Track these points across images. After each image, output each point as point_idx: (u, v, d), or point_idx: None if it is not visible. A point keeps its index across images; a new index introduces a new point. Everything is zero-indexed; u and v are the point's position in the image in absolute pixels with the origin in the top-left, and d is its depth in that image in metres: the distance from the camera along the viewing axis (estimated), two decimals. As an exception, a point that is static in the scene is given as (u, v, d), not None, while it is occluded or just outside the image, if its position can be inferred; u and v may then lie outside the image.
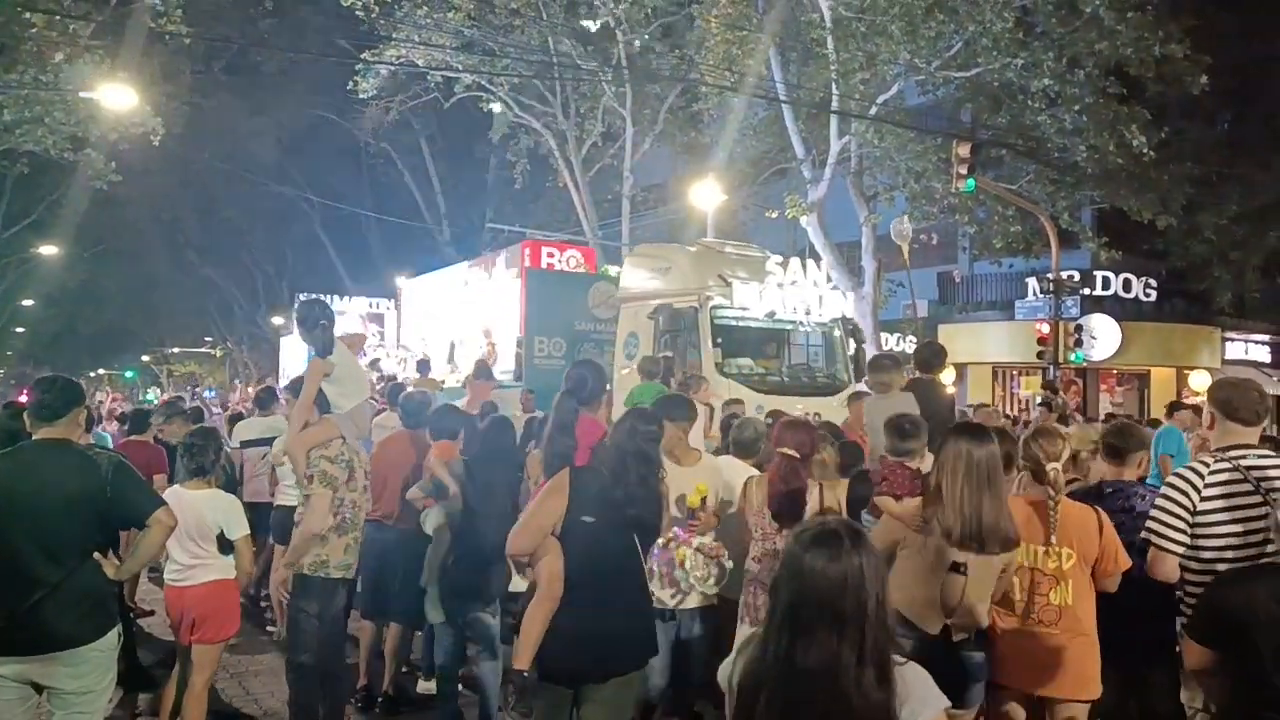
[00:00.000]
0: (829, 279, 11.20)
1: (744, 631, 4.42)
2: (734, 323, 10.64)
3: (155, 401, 22.96)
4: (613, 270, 15.01)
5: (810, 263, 11.25)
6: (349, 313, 21.50)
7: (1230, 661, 2.83)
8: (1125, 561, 3.66)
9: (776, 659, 2.07)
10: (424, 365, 14.16)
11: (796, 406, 8.84)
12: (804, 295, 10.93)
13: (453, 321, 15.81)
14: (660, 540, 4.34)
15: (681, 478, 4.57)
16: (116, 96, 14.93)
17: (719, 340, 10.36)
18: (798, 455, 4.58)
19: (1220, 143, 18.37)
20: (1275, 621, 2.72)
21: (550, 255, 14.64)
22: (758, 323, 10.77)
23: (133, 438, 8.02)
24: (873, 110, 15.79)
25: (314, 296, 5.56)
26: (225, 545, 4.74)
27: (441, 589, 5.17)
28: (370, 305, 22.84)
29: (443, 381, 13.71)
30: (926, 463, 3.94)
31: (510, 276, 14.06)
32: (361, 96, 21.47)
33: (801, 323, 11.10)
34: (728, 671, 2.24)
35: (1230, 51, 15.65)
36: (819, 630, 2.02)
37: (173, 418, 7.97)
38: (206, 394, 35.67)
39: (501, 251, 15.42)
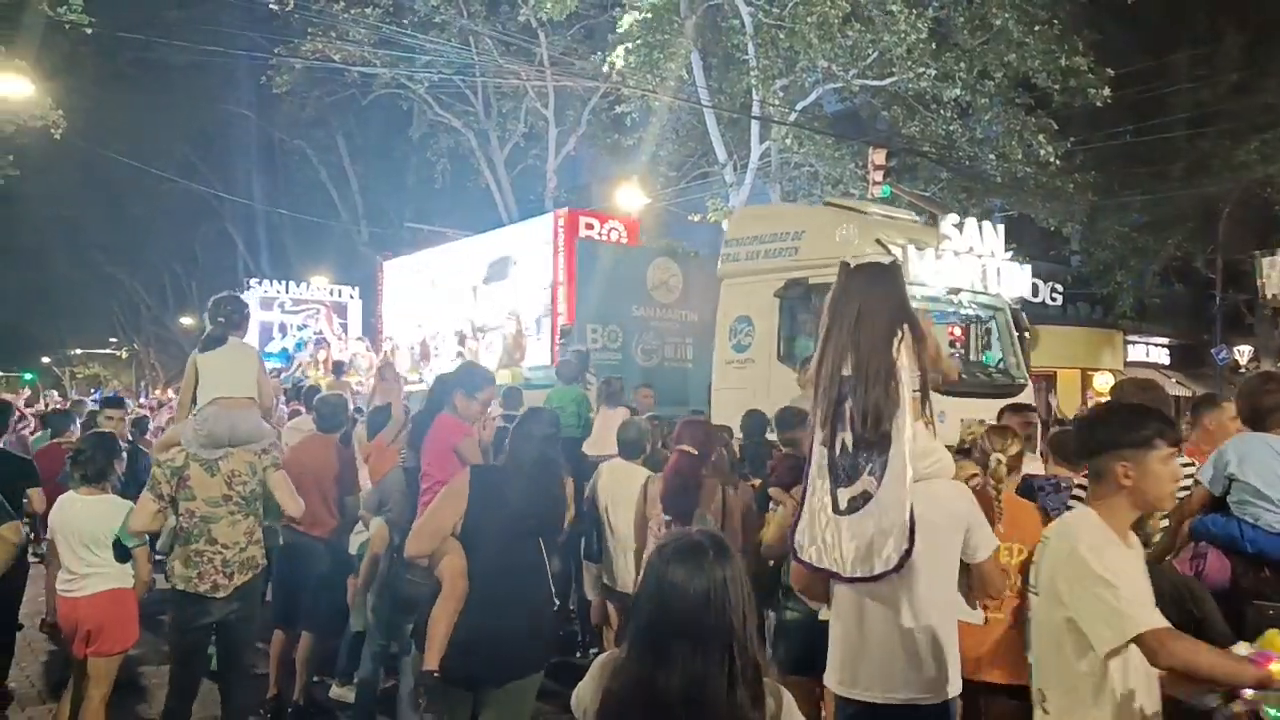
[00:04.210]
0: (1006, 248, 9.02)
1: None
2: None
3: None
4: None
5: (986, 225, 8.94)
6: (310, 300, 20.09)
7: None
8: None
9: (638, 684, 1.90)
10: (339, 367, 13.86)
11: (979, 411, 7.21)
12: (983, 267, 8.61)
13: (458, 307, 13.87)
14: None
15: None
16: (11, 86, 14.28)
17: None
18: (695, 452, 4.59)
19: (1122, 153, 19.11)
20: None
21: (589, 227, 12.12)
22: (919, 304, 8.43)
23: (54, 441, 7.97)
24: (792, 117, 16.03)
25: (237, 295, 5.19)
26: (123, 553, 4.55)
27: (379, 599, 5.06)
28: (333, 293, 21.06)
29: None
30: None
31: (544, 252, 12.04)
32: (276, 92, 20.92)
33: (966, 303, 8.89)
34: (583, 700, 2.07)
35: (1130, 65, 16.30)
36: (682, 650, 1.87)
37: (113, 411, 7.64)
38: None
39: (530, 221, 13.55)
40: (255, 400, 4.68)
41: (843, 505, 2.83)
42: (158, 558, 5.26)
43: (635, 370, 10.12)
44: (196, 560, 4.36)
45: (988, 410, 7.04)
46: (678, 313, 10.77)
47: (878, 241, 8.23)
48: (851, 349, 2.90)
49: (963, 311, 8.94)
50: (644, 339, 10.56)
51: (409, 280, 16.08)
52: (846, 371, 2.89)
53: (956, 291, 8.50)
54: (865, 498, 2.80)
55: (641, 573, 2.08)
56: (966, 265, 8.49)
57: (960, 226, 8.56)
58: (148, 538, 4.65)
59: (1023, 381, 8.96)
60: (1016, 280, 9.01)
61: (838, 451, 2.86)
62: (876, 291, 2.98)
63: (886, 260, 3.19)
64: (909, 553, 2.74)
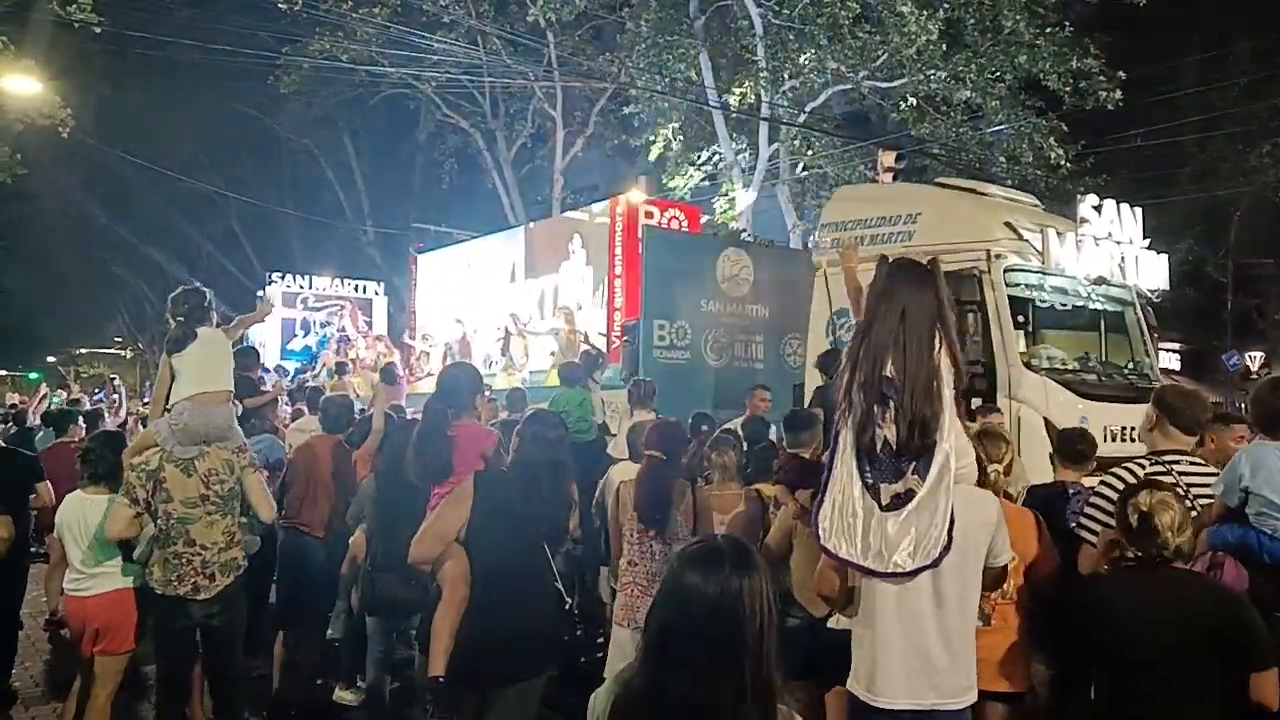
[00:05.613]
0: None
1: (619, 635, 4.47)
2: (1031, 293, 7.48)
3: (61, 403, 21.70)
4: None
5: (1125, 208, 7.90)
6: (333, 297, 19.52)
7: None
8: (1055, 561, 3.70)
9: (646, 689, 1.85)
10: (342, 367, 13.80)
11: (1122, 418, 6.67)
12: (1121, 254, 7.72)
13: (503, 301, 13.11)
14: None
15: None
16: (19, 84, 14.30)
17: (1019, 318, 7.32)
18: (663, 458, 4.57)
19: (1133, 156, 19.02)
20: None
21: (649, 215, 11.28)
22: (1050, 295, 7.61)
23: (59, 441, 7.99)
24: (801, 118, 15.99)
25: (195, 286, 5.05)
26: (130, 553, 4.51)
27: (371, 602, 5.02)
28: (357, 289, 20.52)
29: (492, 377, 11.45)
30: None
31: (601, 242, 11.34)
32: (283, 92, 20.90)
33: (1097, 295, 7.90)
34: (597, 705, 2.01)
35: (1142, 68, 16.22)
36: (691, 658, 1.80)
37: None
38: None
39: (583, 209, 12.86)
40: (231, 393, 4.67)
41: (885, 501, 2.82)
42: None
43: (705, 371, 9.52)
44: (175, 563, 4.29)
45: (1130, 417, 6.45)
46: (748, 308, 9.96)
47: (1007, 225, 7.50)
48: (894, 349, 2.87)
49: (1092, 305, 7.99)
50: (714, 336, 9.70)
51: (446, 274, 15.35)
52: (888, 372, 2.86)
53: (1099, 282, 7.59)
54: (909, 495, 2.80)
55: (662, 579, 2.04)
56: (1106, 252, 7.63)
57: (1099, 209, 7.64)
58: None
59: (1158, 384, 8.19)
60: (1155, 271, 8.11)
61: (877, 447, 2.84)
62: (921, 293, 2.94)
63: (925, 260, 3.14)
64: (948, 549, 2.75)
